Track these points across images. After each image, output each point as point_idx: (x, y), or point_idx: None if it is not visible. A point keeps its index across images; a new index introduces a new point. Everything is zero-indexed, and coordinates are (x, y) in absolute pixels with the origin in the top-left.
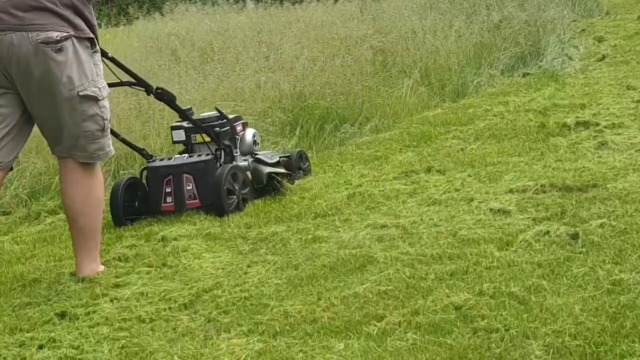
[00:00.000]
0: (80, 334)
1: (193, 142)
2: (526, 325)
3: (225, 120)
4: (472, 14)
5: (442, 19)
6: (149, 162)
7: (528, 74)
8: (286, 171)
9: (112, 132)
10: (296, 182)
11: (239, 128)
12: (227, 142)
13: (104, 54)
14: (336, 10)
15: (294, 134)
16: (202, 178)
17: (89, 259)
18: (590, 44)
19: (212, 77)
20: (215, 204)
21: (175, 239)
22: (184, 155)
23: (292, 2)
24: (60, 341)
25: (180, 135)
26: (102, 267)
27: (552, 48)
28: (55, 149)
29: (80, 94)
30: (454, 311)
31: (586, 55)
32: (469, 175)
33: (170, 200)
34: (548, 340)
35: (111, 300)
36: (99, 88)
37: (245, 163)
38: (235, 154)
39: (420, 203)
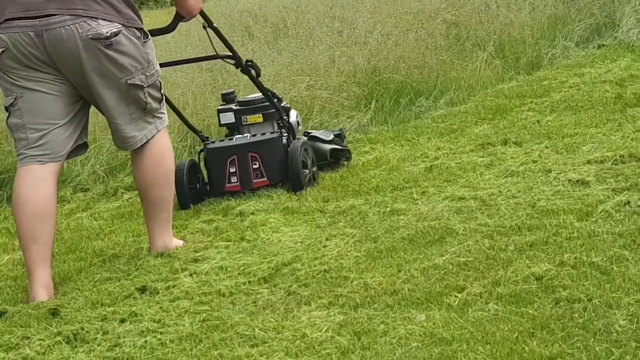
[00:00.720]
0: (161, 308)
1: (244, 123)
2: (609, 295)
3: (278, 99)
4: None
5: None
6: (207, 143)
7: (603, 45)
8: (345, 147)
9: (176, 111)
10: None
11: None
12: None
13: (209, 24)
14: None
15: (369, 107)
16: (269, 156)
17: (161, 232)
18: None
19: (286, 53)
20: (292, 179)
21: (252, 214)
22: (245, 135)
23: None
24: (142, 315)
25: (229, 117)
26: (179, 242)
27: (628, 19)
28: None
29: (129, 82)
30: (535, 282)
31: None
32: (546, 147)
33: (235, 180)
34: (632, 309)
35: (190, 275)
36: (146, 76)
37: (304, 140)
38: (297, 131)
39: (498, 175)
